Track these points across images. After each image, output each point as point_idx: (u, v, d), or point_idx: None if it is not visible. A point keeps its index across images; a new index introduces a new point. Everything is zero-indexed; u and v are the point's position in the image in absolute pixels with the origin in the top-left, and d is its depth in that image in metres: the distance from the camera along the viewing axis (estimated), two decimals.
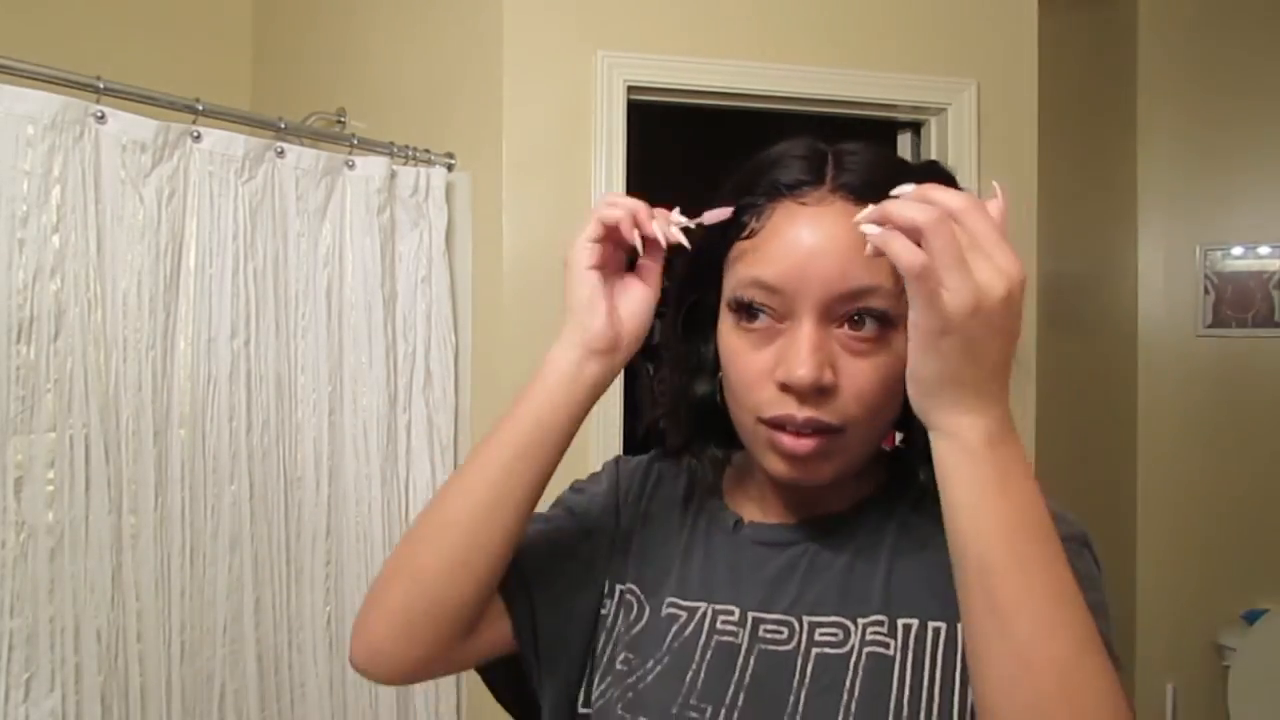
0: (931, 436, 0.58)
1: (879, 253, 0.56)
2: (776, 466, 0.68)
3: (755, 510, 0.78)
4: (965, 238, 0.54)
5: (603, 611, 0.78)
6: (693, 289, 0.74)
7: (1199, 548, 2.73)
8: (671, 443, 0.80)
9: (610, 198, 0.71)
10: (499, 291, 1.86)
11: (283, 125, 1.64)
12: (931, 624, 0.66)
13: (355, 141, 1.77)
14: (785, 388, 0.65)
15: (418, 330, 1.83)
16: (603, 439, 1.84)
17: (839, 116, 2.06)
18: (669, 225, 0.69)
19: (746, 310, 0.67)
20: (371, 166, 1.74)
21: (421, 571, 0.70)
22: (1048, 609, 0.54)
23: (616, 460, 0.89)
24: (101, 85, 1.31)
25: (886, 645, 0.66)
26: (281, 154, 1.59)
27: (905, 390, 0.59)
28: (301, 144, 1.69)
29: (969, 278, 0.53)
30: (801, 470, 0.67)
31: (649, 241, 0.70)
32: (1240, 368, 2.71)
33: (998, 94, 2.09)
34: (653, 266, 0.73)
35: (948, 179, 0.67)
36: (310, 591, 1.64)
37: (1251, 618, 2.63)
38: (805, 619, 0.69)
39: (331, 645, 1.66)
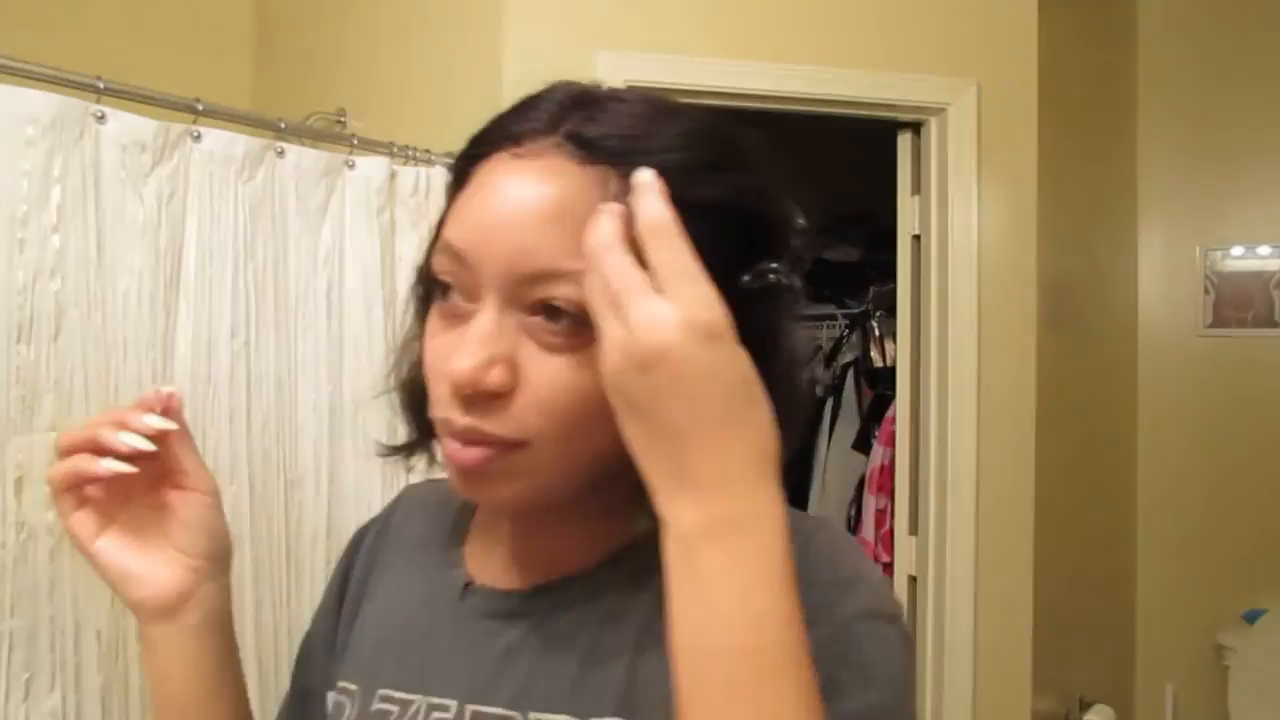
0: None
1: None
2: (452, 481, 0.55)
3: (490, 569, 0.63)
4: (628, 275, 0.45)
5: None
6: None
7: (1199, 548, 2.73)
8: (401, 445, 0.65)
9: (66, 439, 0.58)
10: None
11: (283, 125, 1.64)
12: None
13: (355, 141, 1.77)
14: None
15: None
16: None
17: (839, 116, 2.06)
18: (143, 426, 0.58)
19: (439, 283, 0.54)
20: (371, 167, 1.74)
21: None
22: None
23: (362, 530, 0.75)
24: (101, 85, 1.31)
25: None
26: (281, 154, 1.59)
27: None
28: (302, 144, 1.69)
29: (615, 326, 0.45)
30: (471, 487, 0.54)
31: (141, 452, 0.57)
32: (1240, 368, 2.71)
33: (998, 94, 2.09)
34: (178, 453, 0.62)
35: (724, 142, 0.55)
36: (310, 592, 1.64)
37: (1251, 618, 2.63)
38: (531, 715, 0.56)
39: None
